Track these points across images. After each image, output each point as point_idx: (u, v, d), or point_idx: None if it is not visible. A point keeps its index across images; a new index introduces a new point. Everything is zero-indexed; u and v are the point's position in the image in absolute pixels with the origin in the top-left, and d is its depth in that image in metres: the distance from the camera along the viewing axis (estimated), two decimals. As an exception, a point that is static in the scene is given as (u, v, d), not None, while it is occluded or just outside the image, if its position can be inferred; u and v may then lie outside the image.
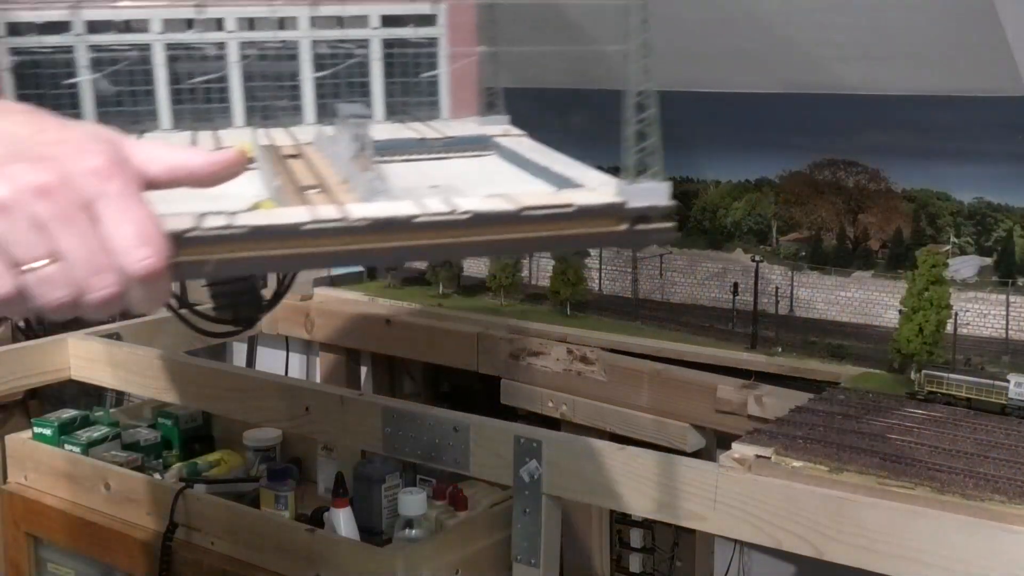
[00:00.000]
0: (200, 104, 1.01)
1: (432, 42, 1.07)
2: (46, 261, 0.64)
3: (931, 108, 1.65)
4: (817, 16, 1.58)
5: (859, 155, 1.81)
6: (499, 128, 1.06)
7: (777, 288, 1.90)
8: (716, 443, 1.71)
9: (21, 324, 2.60)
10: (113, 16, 0.97)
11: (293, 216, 0.71)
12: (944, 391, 1.48)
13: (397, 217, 0.72)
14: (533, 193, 0.79)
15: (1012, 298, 1.69)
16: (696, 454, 1.64)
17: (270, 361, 2.43)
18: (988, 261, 1.71)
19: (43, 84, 0.92)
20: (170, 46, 0.99)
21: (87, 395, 2.29)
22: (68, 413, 1.90)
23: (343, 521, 1.53)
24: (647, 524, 1.89)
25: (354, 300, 2.24)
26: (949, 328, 1.60)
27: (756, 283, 1.91)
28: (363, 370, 2.36)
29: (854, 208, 1.83)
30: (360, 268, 2.35)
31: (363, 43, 1.04)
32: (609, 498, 1.37)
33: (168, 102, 1.00)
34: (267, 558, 1.54)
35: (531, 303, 2.11)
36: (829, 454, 1.29)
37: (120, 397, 2.30)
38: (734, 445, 1.33)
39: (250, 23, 1.01)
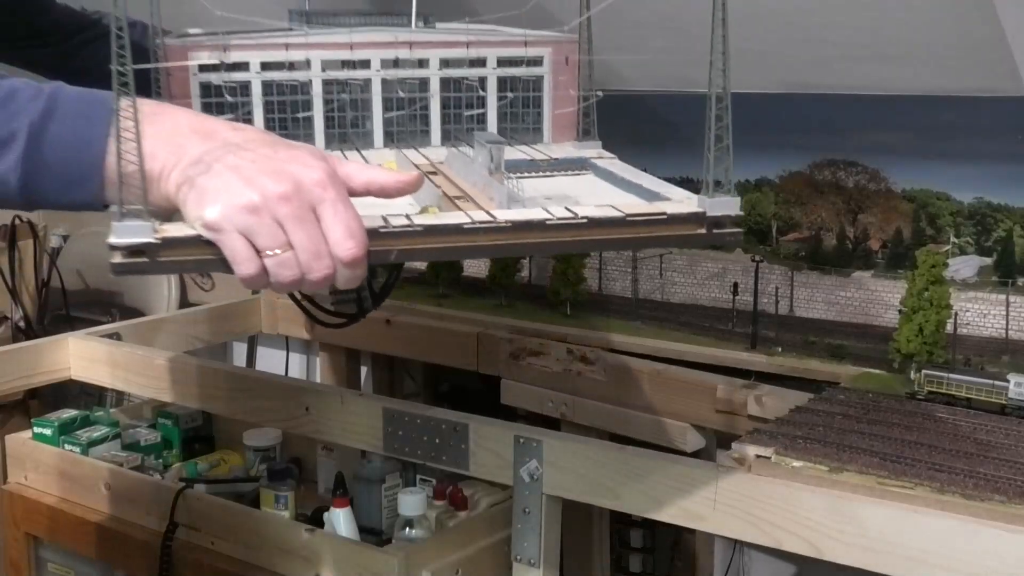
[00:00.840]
0: (348, 129, 1.24)
1: (539, 79, 1.27)
2: (281, 249, 0.86)
3: (931, 108, 1.65)
4: (817, 16, 1.58)
5: (859, 155, 1.81)
6: (594, 151, 1.27)
7: (777, 288, 1.90)
8: (716, 443, 1.71)
9: (21, 324, 2.60)
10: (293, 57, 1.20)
11: (456, 218, 0.94)
12: (944, 391, 1.48)
13: (533, 220, 0.95)
14: (633, 203, 1.02)
15: (1012, 298, 1.69)
16: (696, 454, 1.64)
17: (270, 361, 2.43)
18: (988, 261, 1.71)
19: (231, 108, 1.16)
20: (325, 83, 1.21)
21: (87, 395, 2.29)
22: (68, 413, 1.90)
23: (343, 521, 1.53)
24: (647, 524, 1.90)
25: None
26: (949, 328, 1.60)
27: (756, 283, 1.91)
28: (363, 370, 2.36)
29: (854, 208, 1.84)
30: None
31: (483, 80, 1.25)
32: (609, 498, 1.37)
33: (323, 127, 1.22)
34: (267, 558, 1.54)
35: (531, 303, 2.11)
36: (829, 454, 1.29)
37: (120, 397, 2.30)
38: (734, 445, 1.33)
39: (394, 63, 1.22)
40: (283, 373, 2.38)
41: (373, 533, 1.58)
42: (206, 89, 1.16)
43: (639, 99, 1.95)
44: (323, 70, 1.19)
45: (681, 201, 1.02)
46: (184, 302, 2.61)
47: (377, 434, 1.56)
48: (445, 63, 1.23)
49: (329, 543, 1.49)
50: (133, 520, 1.70)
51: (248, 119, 1.17)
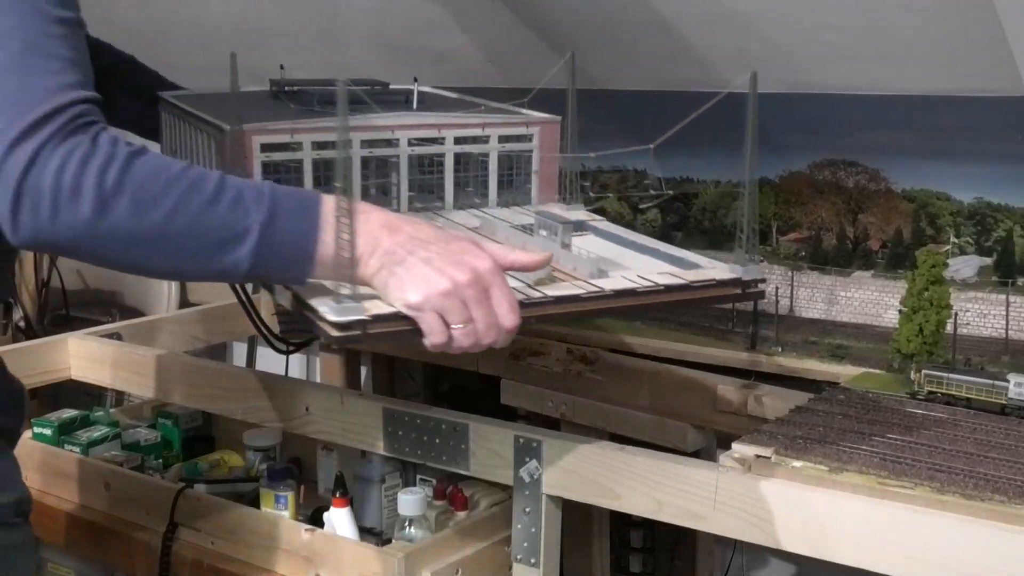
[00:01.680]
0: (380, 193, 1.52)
1: (529, 151, 1.57)
2: (464, 324, 1.09)
3: (931, 108, 1.65)
4: (817, 16, 1.58)
5: (859, 155, 1.81)
6: (584, 213, 1.56)
7: (777, 288, 1.90)
8: (716, 443, 1.71)
9: (21, 324, 2.60)
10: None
11: (574, 290, 1.20)
12: (944, 391, 1.48)
13: (627, 288, 1.21)
14: (688, 272, 1.28)
15: (1012, 298, 1.69)
16: (696, 454, 1.64)
17: (270, 361, 2.43)
18: (988, 261, 1.71)
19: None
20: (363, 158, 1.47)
21: (87, 395, 2.29)
22: (68, 413, 1.90)
23: (343, 521, 1.53)
24: (647, 524, 1.90)
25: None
26: (949, 328, 1.60)
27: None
28: (363, 370, 2.36)
29: (854, 208, 1.83)
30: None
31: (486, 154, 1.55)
32: (609, 498, 1.37)
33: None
34: (267, 558, 1.54)
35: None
36: (829, 454, 1.29)
37: (120, 397, 2.30)
38: (734, 445, 1.33)
39: (419, 141, 1.50)
40: (283, 373, 2.37)
41: (373, 533, 1.58)
42: (266, 167, 1.40)
43: (636, 97, 1.95)
44: (363, 147, 1.45)
45: (715, 267, 1.30)
46: (184, 302, 2.61)
47: (377, 434, 1.56)
48: (460, 140, 1.52)
49: (329, 543, 1.49)
50: (133, 520, 1.70)
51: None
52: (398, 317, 1.10)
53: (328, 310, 1.10)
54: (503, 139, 1.55)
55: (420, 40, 2.04)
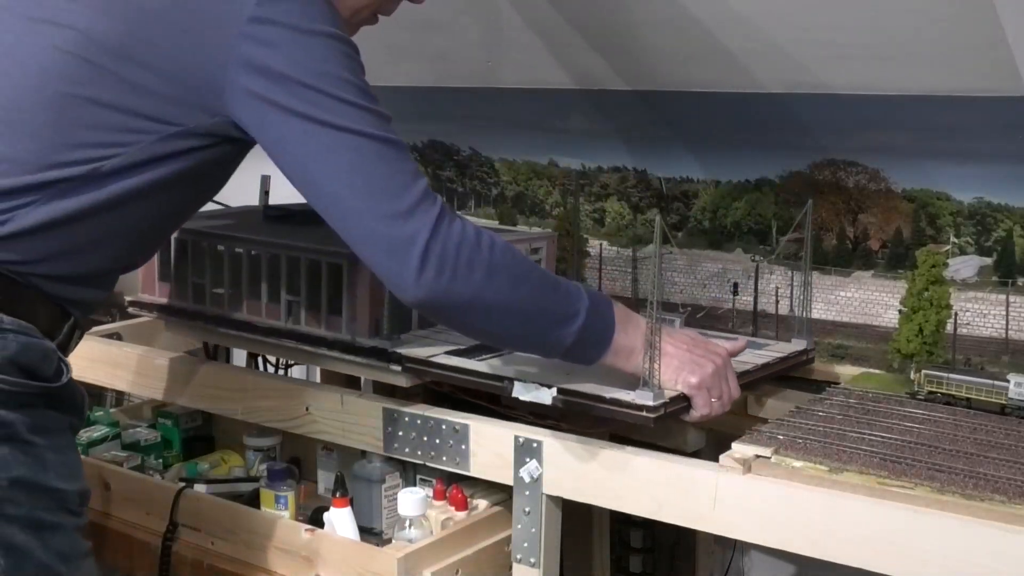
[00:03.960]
0: None
1: (539, 259, 1.82)
2: (719, 397, 1.41)
3: (931, 108, 1.65)
4: (817, 16, 1.58)
5: (859, 155, 1.81)
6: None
7: (777, 288, 1.90)
8: (716, 443, 1.71)
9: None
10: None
11: (752, 363, 1.59)
12: (944, 391, 1.48)
13: (763, 363, 1.60)
14: (777, 348, 1.68)
15: (1012, 298, 1.68)
16: (696, 454, 1.64)
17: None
18: (988, 261, 1.71)
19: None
20: None
21: (87, 395, 2.28)
22: (68, 413, 1.90)
23: (343, 521, 1.53)
24: (647, 524, 1.89)
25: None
26: (949, 328, 1.60)
27: (756, 283, 1.91)
28: (363, 370, 2.35)
29: (854, 208, 1.83)
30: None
31: None
32: (609, 498, 1.37)
33: None
34: (267, 558, 1.54)
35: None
36: (829, 454, 1.29)
37: (120, 397, 2.30)
38: (734, 445, 1.33)
39: None
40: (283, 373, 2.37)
41: (373, 533, 1.58)
42: None
43: (636, 97, 1.95)
44: None
45: (788, 343, 1.71)
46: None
47: (377, 434, 1.56)
48: None
49: (329, 543, 1.49)
50: (133, 520, 1.70)
51: None
52: (680, 397, 1.38)
53: (636, 396, 1.35)
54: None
55: (420, 40, 2.04)
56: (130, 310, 1.86)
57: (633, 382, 1.38)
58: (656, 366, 1.35)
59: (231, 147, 1.30)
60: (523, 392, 1.41)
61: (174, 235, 1.76)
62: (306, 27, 1.22)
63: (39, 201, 1.20)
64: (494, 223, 2.23)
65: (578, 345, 1.33)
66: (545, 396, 1.39)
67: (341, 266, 1.57)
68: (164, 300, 1.82)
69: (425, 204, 1.23)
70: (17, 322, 1.20)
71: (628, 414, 1.34)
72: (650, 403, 1.34)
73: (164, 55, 1.22)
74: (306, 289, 1.63)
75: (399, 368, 1.54)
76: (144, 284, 1.85)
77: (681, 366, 1.39)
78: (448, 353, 1.54)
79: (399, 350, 1.55)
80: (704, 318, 1.94)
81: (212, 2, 1.22)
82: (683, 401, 1.39)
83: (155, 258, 1.79)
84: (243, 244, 1.71)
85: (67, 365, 1.28)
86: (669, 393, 1.37)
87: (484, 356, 1.55)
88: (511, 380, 1.43)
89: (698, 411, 1.39)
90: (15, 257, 1.21)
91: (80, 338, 1.36)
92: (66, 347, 1.30)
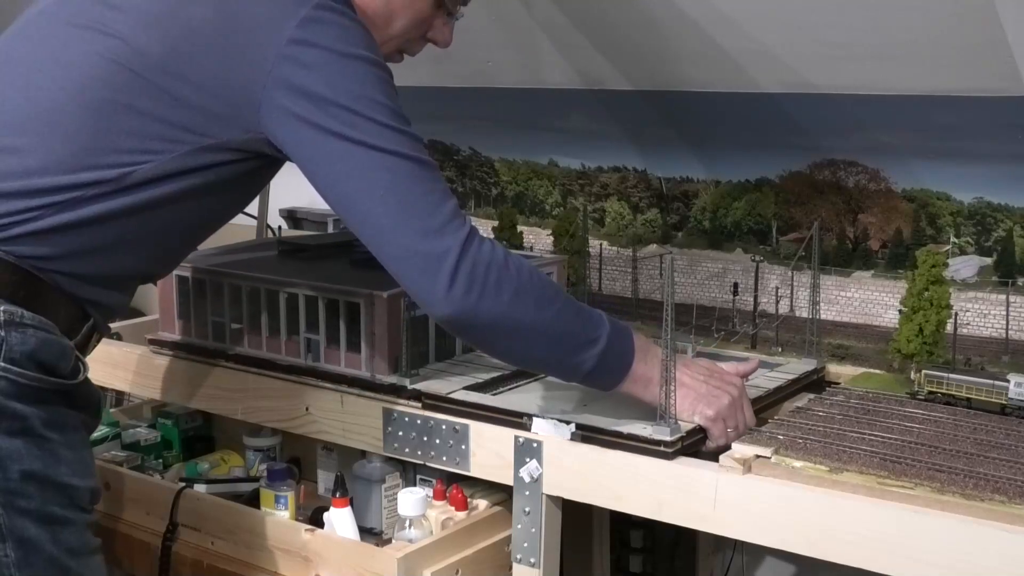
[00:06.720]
0: None
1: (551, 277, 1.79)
2: (734, 427, 1.40)
3: (931, 108, 1.65)
4: (817, 16, 1.58)
5: (859, 155, 1.81)
6: None
7: (777, 288, 1.90)
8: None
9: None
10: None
11: (768, 387, 1.59)
12: (944, 391, 1.48)
13: (781, 385, 1.60)
14: (790, 369, 1.67)
15: (1012, 298, 1.68)
16: (696, 454, 1.64)
17: (270, 361, 2.42)
18: (988, 261, 1.71)
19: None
20: None
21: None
22: (68, 413, 1.89)
23: (343, 521, 1.53)
24: (647, 524, 1.89)
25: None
26: (949, 328, 1.60)
27: (756, 283, 1.91)
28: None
29: (854, 208, 1.83)
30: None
31: None
32: (609, 498, 1.37)
33: None
34: (267, 558, 1.54)
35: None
36: (829, 454, 1.29)
37: (120, 397, 2.30)
38: (734, 445, 1.34)
39: None
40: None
41: (373, 533, 1.58)
42: None
43: (636, 97, 1.95)
44: None
45: (799, 362, 1.70)
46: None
47: (377, 434, 1.56)
48: None
49: (329, 543, 1.49)
50: (133, 520, 1.70)
51: None
52: (696, 429, 1.39)
53: (653, 432, 1.35)
54: None
55: (420, 40, 2.04)
56: (150, 348, 1.86)
57: (649, 411, 1.38)
58: (672, 400, 1.35)
59: (261, 163, 1.32)
60: (543, 428, 1.42)
61: (191, 274, 1.77)
62: (344, 50, 1.25)
63: (69, 202, 1.23)
64: (494, 223, 2.24)
65: (598, 370, 1.35)
66: (565, 432, 1.40)
67: (359, 305, 1.59)
68: (183, 338, 1.83)
69: (456, 223, 1.26)
70: (37, 318, 1.22)
71: (646, 449, 1.34)
72: (667, 438, 1.33)
73: (204, 70, 1.24)
74: (325, 327, 1.64)
75: (419, 405, 1.55)
76: (163, 322, 1.85)
77: (698, 398, 1.39)
78: (466, 389, 1.55)
79: (417, 386, 1.56)
80: (704, 318, 1.94)
81: (254, 22, 1.25)
82: (699, 433, 1.39)
83: (174, 295, 1.81)
84: (262, 283, 1.72)
85: (84, 364, 1.30)
86: (685, 426, 1.37)
87: (499, 390, 1.57)
88: (530, 416, 1.43)
89: (714, 442, 1.40)
90: (40, 252, 1.23)
91: (98, 342, 1.37)
92: (84, 348, 1.31)
